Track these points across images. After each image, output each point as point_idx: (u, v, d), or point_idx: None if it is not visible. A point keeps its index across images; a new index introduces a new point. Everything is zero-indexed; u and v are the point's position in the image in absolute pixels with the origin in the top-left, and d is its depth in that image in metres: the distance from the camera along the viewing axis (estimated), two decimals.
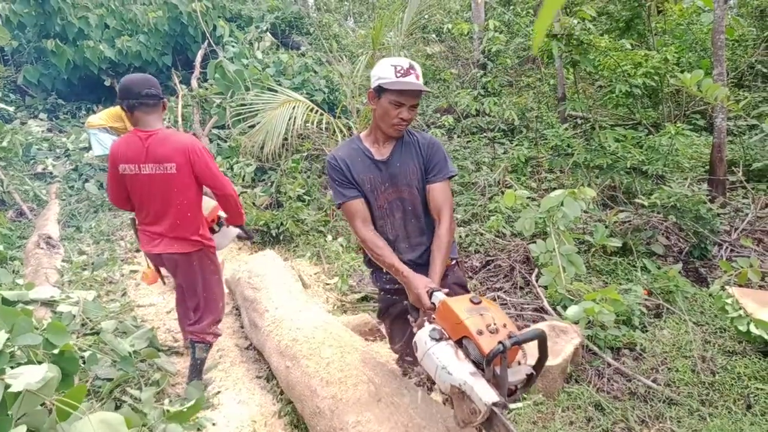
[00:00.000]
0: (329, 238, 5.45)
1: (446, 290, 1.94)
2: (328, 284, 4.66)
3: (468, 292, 2.32)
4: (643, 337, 3.31)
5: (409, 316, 2.10)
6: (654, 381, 2.89)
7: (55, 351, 2.38)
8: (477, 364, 1.60)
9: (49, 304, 3.91)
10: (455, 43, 9.65)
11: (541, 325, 3.21)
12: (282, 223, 5.62)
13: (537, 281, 3.98)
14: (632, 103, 6.86)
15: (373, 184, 2.18)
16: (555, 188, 5.26)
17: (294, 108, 6.03)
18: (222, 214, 3.28)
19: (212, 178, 2.93)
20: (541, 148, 6.53)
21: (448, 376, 1.61)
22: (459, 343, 1.68)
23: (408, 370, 2.49)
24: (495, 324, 1.60)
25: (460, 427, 1.69)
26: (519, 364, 1.66)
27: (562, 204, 3.91)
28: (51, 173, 7.52)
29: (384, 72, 2.07)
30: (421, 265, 2.17)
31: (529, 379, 1.63)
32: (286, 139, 6.11)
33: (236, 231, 3.52)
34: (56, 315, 3.79)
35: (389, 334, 2.63)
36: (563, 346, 3.01)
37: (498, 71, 8.01)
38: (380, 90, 2.08)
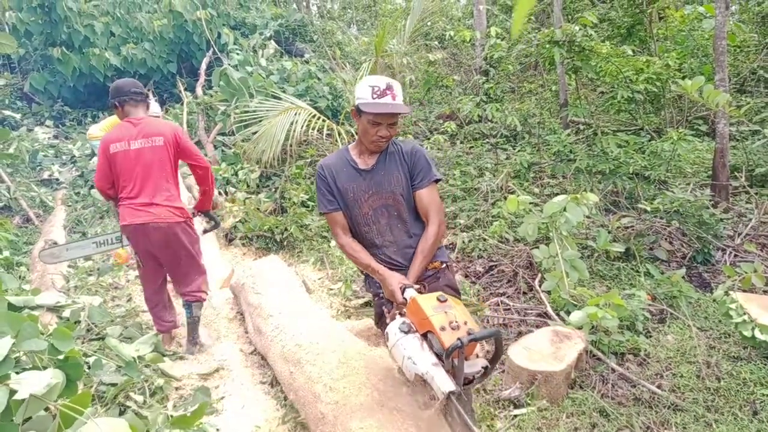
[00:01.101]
0: (333, 243, 5.46)
1: (417, 286, 2.10)
2: (331, 289, 4.67)
3: (459, 294, 2.47)
4: (647, 342, 3.31)
5: (384, 308, 2.24)
6: (659, 387, 2.89)
7: (60, 356, 2.39)
8: (439, 356, 1.81)
9: (55, 309, 3.93)
10: (457, 50, 9.70)
11: (545, 331, 3.22)
12: (286, 229, 5.64)
13: (540, 286, 3.98)
14: (634, 108, 6.87)
15: (356, 193, 2.29)
16: (558, 194, 5.28)
17: (296, 114, 6.07)
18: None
19: (193, 153, 3.49)
20: (544, 153, 6.55)
21: (413, 365, 1.82)
22: (425, 336, 1.88)
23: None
24: (457, 321, 1.81)
25: (422, 410, 1.99)
26: (477, 357, 1.87)
27: (564, 209, 3.91)
28: (57, 180, 7.57)
29: (362, 92, 2.19)
30: (409, 267, 2.28)
31: (486, 371, 1.84)
32: (290, 145, 6.15)
33: (203, 224, 4.02)
34: (62, 320, 3.81)
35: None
36: (567, 352, 3.01)
37: (500, 77, 8.04)
38: (359, 110, 2.20)
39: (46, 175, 7.67)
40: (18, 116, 9.24)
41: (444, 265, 2.42)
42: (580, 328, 3.27)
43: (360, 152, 2.34)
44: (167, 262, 3.51)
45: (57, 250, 4.21)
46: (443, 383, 1.73)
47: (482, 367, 1.83)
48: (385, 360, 2.85)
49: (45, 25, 9.29)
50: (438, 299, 1.90)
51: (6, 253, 5.07)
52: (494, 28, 7.20)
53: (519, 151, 6.65)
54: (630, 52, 5.90)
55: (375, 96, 2.17)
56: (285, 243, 5.66)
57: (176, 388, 3.22)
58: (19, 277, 4.64)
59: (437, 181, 2.35)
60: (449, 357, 1.73)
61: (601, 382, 2.97)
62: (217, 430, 2.85)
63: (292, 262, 5.37)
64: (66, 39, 9.43)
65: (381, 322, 2.51)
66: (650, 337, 3.40)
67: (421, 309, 1.87)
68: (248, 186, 6.66)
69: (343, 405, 2.27)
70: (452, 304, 1.89)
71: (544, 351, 3.04)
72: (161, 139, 3.34)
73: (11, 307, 3.59)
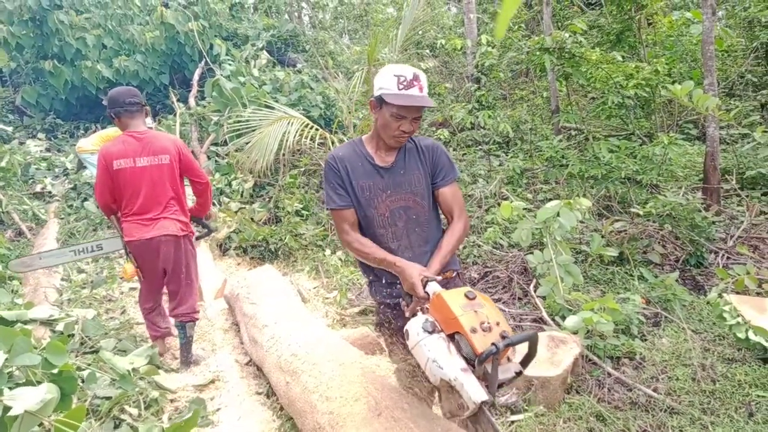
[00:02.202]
0: (328, 252, 5.46)
1: (440, 278, 1.93)
2: (327, 298, 4.66)
3: None
4: (643, 346, 3.32)
5: (401, 301, 2.06)
6: (655, 390, 2.89)
7: (54, 371, 2.37)
8: (468, 361, 1.63)
9: (48, 323, 3.90)
10: (449, 58, 9.76)
11: (541, 336, 3.22)
12: (281, 238, 5.64)
13: (535, 292, 3.99)
14: (625, 114, 6.93)
15: (372, 191, 2.10)
16: (551, 199, 5.30)
17: (289, 124, 6.08)
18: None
19: (195, 169, 3.55)
20: (536, 159, 6.59)
21: (438, 369, 1.64)
22: (451, 336, 1.69)
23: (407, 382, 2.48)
24: (488, 322, 1.61)
25: (446, 418, 1.76)
26: (509, 360, 1.68)
27: (558, 215, 3.94)
28: (50, 192, 7.53)
29: (386, 82, 1.97)
30: None
31: (518, 375, 1.67)
32: (283, 155, 6.15)
33: (197, 231, 3.98)
34: (55, 334, 3.78)
35: (389, 347, 2.62)
36: (563, 357, 3.02)
37: (491, 85, 8.10)
38: (381, 100, 2.00)
39: (38, 188, 7.63)
40: (10, 129, 9.21)
41: (455, 273, 2.31)
42: (575, 332, 3.28)
43: (377, 147, 2.13)
44: (169, 276, 3.51)
45: (29, 258, 4.21)
46: (475, 392, 1.55)
47: (515, 372, 1.66)
48: (381, 368, 2.85)
49: (36, 38, 9.28)
50: (466, 296, 1.69)
51: None
52: (485, 36, 7.26)
53: (512, 157, 6.69)
54: (620, 58, 5.96)
55: (401, 87, 1.95)
56: (280, 252, 5.66)
57: (171, 401, 3.20)
58: (12, 291, 4.60)
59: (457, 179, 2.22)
60: (482, 363, 1.56)
61: (598, 387, 2.97)
62: None
63: (287, 271, 5.36)
64: (58, 52, 9.42)
65: (383, 329, 2.40)
66: (645, 340, 3.42)
67: (447, 307, 1.67)
68: (242, 196, 6.66)
69: (339, 415, 2.26)
70: (482, 302, 1.68)
71: (540, 356, 3.03)
72: (167, 157, 3.37)
73: (3, 321, 3.57)
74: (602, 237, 4.48)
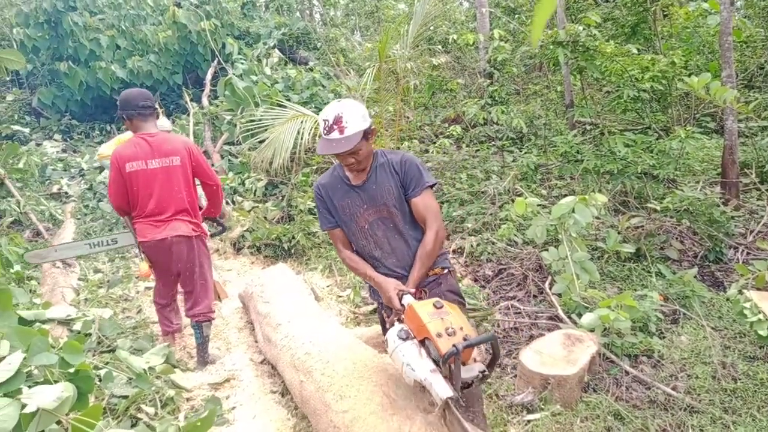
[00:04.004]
0: None
1: (413, 291, 2.16)
2: (340, 296, 4.66)
3: (462, 299, 2.49)
4: (661, 343, 3.27)
5: (383, 313, 2.34)
6: (674, 389, 2.84)
7: (71, 370, 2.39)
8: (436, 362, 1.85)
9: (66, 322, 3.95)
10: (461, 53, 9.68)
11: (557, 334, 3.18)
12: (293, 237, 5.64)
13: (551, 289, 3.95)
14: (641, 107, 6.82)
15: (351, 209, 2.35)
16: (565, 195, 5.25)
17: (302, 122, 6.08)
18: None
19: (205, 171, 3.56)
20: (551, 155, 6.51)
21: (411, 371, 1.88)
22: (422, 342, 1.93)
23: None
24: (453, 327, 1.84)
25: (425, 413, 2.05)
26: (474, 361, 1.90)
27: (573, 211, 3.89)
28: (66, 193, 7.63)
29: (320, 125, 2.21)
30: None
31: (484, 376, 1.88)
32: (295, 153, 6.15)
33: (210, 228, 4.05)
34: (72, 333, 3.82)
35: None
36: (579, 355, 2.98)
37: (504, 80, 8.02)
38: None
39: (55, 188, 7.73)
40: (27, 131, 9.33)
41: (446, 270, 2.45)
42: (592, 330, 3.23)
43: (350, 169, 2.35)
44: (183, 277, 3.56)
45: (44, 251, 4.30)
46: (441, 389, 1.77)
47: (480, 372, 1.87)
48: (395, 367, 2.83)
49: (51, 40, 9.40)
50: (434, 305, 1.93)
51: (17, 267, 5.10)
52: (497, 30, 7.18)
53: (525, 153, 6.62)
54: (635, 51, 5.86)
55: (324, 132, 2.17)
56: (293, 251, 5.67)
57: (187, 399, 3.22)
58: (30, 290, 4.66)
59: (432, 186, 2.36)
60: (446, 363, 1.78)
61: (615, 385, 2.93)
62: None
63: (301, 269, 5.36)
64: (72, 53, 9.54)
65: (383, 327, 2.60)
66: (663, 338, 3.36)
67: (417, 316, 1.91)
68: (255, 195, 6.67)
69: (354, 413, 2.25)
70: (448, 310, 1.92)
71: (557, 355, 3.00)
72: (178, 159, 3.40)
73: (22, 321, 3.60)
74: (619, 233, 4.42)
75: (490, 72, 7.99)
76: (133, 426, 2.85)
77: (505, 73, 7.70)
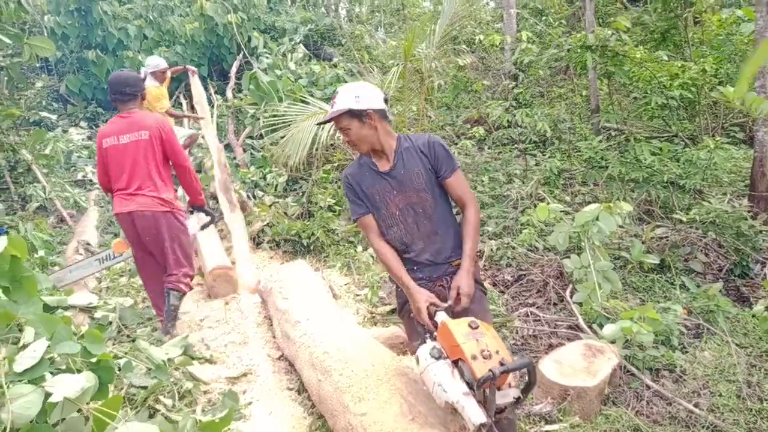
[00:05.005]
0: (359, 248, 5.45)
1: (446, 304, 2.13)
2: (358, 295, 4.66)
3: (483, 287, 2.44)
4: (683, 358, 3.21)
5: (416, 325, 2.27)
6: (696, 405, 2.79)
7: (93, 359, 2.42)
8: (470, 385, 1.80)
9: (87, 310, 4.00)
10: (485, 54, 9.60)
11: (577, 344, 3.14)
12: (313, 233, 5.65)
13: (571, 297, 3.90)
14: (668, 115, 6.70)
15: (381, 194, 2.34)
16: (589, 202, 5.17)
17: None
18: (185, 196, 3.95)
19: (173, 150, 3.65)
20: (575, 160, 6.43)
21: (443, 393, 1.83)
22: (455, 363, 1.88)
23: None
24: (489, 350, 1.80)
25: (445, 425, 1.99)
26: (509, 386, 1.86)
27: (597, 218, 3.84)
28: (90, 180, 7.73)
29: None
30: (439, 264, 2.34)
31: (518, 401, 1.84)
32: (316, 149, 6.15)
33: (200, 220, 4.09)
34: (94, 321, 3.88)
35: (407, 332, 2.66)
36: (600, 367, 2.94)
37: (529, 82, 7.93)
38: None
39: (79, 175, 7.83)
40: (54, 117, 9.46)
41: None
42: (613, 342, 3.19)
43: (376, 156, 2.38)
44: (153, 250, 3.69)
45: (61, 273, 4.41)
46: (474, 415, 1.72)
47: (514, 398, 1.83)
48: (414, 371, 2.81)
49: (81, 28, 9.52)
50: (470, 325, 1.89)
51: (41, 253, 5.19)
52: (525, 32, 7.11)
53: (549, 157, 6.54)
54: (665, 57, 5.76)
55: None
56: (312, 247, 5.67)
57: (204, 392, 3.24)
58: None
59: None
60: (480, 387, 1.74)
61: (636, 399, 2.89)
62: None
63: (319, 266, 5.37)
64: (101, 42, 9.66)
65: (402, 312, 2.51)
66: (686, 352, 3.30)
67: (452, 335, 1.87)
68: (276, 190, 6.70)
69: (372, 417, 2.25)
70: (484, 331, 1.88)
71: (577, 365, 2.97)
72: (147, 133, 3.54)
73: (45, 307, 3.67)
74: (643, 243, 4.35)
75: (515, 74, 7.91)
76: (150, 417, 2.88)
77: (531, 75, 7.61)
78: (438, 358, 1.91)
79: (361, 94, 2.25)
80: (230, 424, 2.57)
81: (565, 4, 10.28)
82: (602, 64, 5.78)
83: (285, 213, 6.16)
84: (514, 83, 7.30)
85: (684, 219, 4.60)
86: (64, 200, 6.84)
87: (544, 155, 6.74)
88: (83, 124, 9.72)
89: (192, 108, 8.39)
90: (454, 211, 2.47)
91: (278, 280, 4.07)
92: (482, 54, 9.33)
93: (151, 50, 9.86)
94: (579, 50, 5.67)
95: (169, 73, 6.71)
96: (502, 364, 1.75)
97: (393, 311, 4.26)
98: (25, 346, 2.37)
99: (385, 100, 2.33)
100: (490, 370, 1.71)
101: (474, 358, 1.78)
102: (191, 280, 3.85)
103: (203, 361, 3.66)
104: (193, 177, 3.84)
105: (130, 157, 3.53)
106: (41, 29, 9.68)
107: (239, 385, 3.37)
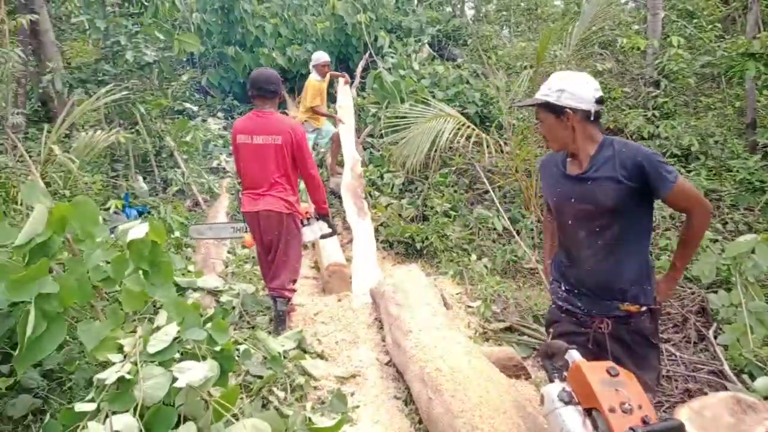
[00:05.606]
0: (473, 257, 5.28)
1: (575, 347, 1.89)
2: (470, 307, 4.50)
3: (654, 343, 2.16)
4: None
5: (548, 360, 1.99)
6: None
7: (217, 348, 2.52)
8: None
9: (214, 293, 4.25)
10: (624, 58, 8.92)
11: (723, 396, 2.75)
12: (427, 237, 5.58)
13: (715, 339, 3.46)
14: None
15: (559, 199, 2.16)
16: (741, 230, 4.60)
17: (444, 122, 5.97)
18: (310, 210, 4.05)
19: (303, 157, 3.72)
20: (725, 180, 5.74)
21: None
22: (588, 411, 1.68)
23: None
24: (630, 403, 1.59)
25: None
26: None
27: (753, 251, 3.38)
28: (224, 169, 8.28)
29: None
30: (602, 300, 2.09)
31: None
32: (435, 151, 6.05)
33: (322, 229, 4.12)
34: (219, 305, 4.10)
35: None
36: (752, 426, 2.54)
37: (673, 90, 7.22)
38: None
39: (214, 163, 8.42)
40: (195, 108, 10.28)
41: (644, 308, 2.10)
42: (767, 398, 2.76)
43: (570, 155, 2.15)
44: (273, 243, 3.79)
45: (202, 227, 4.76)
46: None
47: None
48: (535, 402, 2.63)
49: (223, 25, 10.26)
50: (608, 372, 1.69)
51: (177, 234, 5.61)
52: (675, 37, 6.47)
53: (694, 174, 5.90)
54: None
55: None
56: (425, 252, 5.60)
57: (314, 387, 3.28)
58: (186, 257, 5.09)
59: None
60: None
61: None
62: None
63: (431, 272, 5.28)
64: (240, 39, 10.33)
65: (549, 329, 2.34)
66: None
67: (586, 380, 1.68)
68: (392, 190, 6.71)
69: None
70: (624, 381, 1.67)
71: (721, 421, 2.59)
72: (280, 138, 3.60)
73: (177, 287, 3.95)
74: None
75: (657, 80, 7.25)
76: (263, 407, 2.96)
77: (677, 83, 6.92)
78: (568, 403, 1.71)
79: (569, 88, 1.99)
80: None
81: (719, 4, 9.25)
82: (766, 74, 5.10)
83: (399, 215, 6.14)
84: (657, 92, 6.67)
85: None
86: (200, 186, 7.38)
87: (688, 172, 6.09)
88: (220, 115, 10.45)
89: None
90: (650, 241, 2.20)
91: (391, 284, 4.04)
92: (619, 57, 8.68)
93: (284, 48, 10.37)
94: (739, 57, 5.06)
95: (328, 71, 7.00)
96: (645, 422, 1.54)
97: (507, 329, 4.06)
98: (158, 328, 2.54)
99: (600, 101, 2.03)
100: (631, 428, 1.49)
101: (612, 410, 1.57)
102: (295, 284, 3.97)
103: (315, 356, 3.72)
104: (319, 185, 3.93)
105: (261, 158, 3.64)
106: (189, 26, 10.54)
107: (348, 386, 3.37)
